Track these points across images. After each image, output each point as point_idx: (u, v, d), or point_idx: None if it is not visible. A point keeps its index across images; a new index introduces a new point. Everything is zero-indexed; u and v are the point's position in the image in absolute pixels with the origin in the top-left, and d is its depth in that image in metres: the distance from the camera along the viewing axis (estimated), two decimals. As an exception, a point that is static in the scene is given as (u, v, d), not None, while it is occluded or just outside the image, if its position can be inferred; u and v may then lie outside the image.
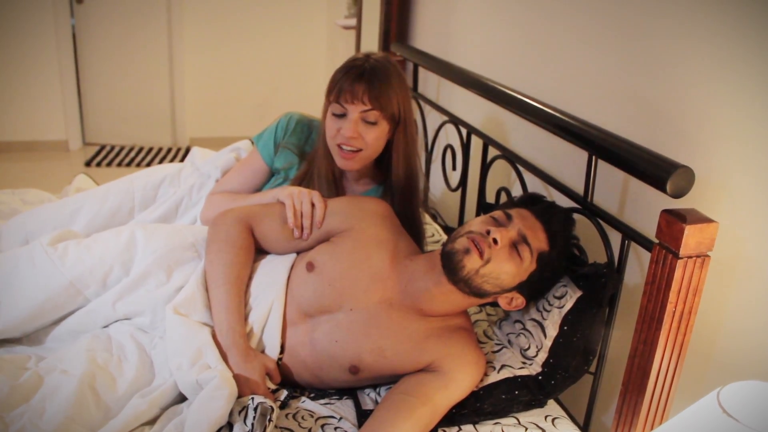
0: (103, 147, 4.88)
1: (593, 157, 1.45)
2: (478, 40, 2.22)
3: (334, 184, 1.68)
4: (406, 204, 1.66)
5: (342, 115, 1.56)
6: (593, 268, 1.39)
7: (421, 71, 2.68)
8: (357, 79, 1.53)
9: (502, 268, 1.32)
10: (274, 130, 1.75)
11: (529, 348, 1.45)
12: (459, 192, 2.16)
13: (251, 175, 1.75)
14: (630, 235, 1.34)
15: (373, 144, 1.58)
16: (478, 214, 2.00)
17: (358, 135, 1.55)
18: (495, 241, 1.30)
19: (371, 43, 3.14)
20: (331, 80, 1.59)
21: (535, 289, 1.40)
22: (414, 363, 1.36)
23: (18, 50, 4.23)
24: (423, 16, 2.73)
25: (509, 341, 1.51)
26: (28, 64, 4.29)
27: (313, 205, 1.51)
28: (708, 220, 1.14)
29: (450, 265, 1.32)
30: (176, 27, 4.61)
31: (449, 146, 2.24)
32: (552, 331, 1.40)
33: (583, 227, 1.61)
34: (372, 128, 1.56)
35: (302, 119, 1.77)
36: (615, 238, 1.41)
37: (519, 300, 1.40)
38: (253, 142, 1.80)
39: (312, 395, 1.42)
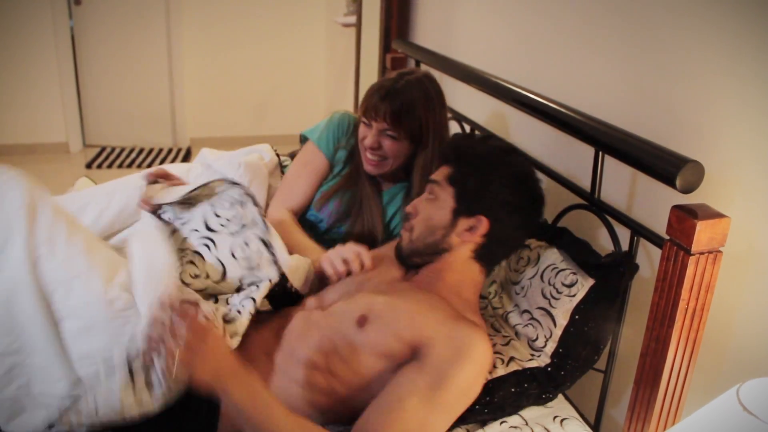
0: (103, 149, 4.87)
1: (600, 153, 1.43)
2: (481, 35, 2.20)
3: (374, 180, 1.82)
4: None
5: (369, 125, 1.70)
6: (610, 258, 1.37)
7: (423, 68, 2.67)
8: (382, 98, 1.66)
9: (426, 216, 1.40)
10: (334, 130, 1.83)
11: (537, 339, 1.44)
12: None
13: (314, 176, 1.83)
14: (639, 231, 1.33)
15: (394, 155, 1.71)
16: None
17: (378, 146, 1.70)
18: (410, 213, 1.43)
19: (372, 40, 3.12)
20: (365, 93, 1.73)
21: (473, 199, 1.38)
22: (419, 328, 1.23)
23: (17, 53, 4.21)
24: (424, 12, 2.71)
25: (516, 333, 1.50)
26: (27, 67, 4.28)
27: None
28: (720, 216, 1.12)
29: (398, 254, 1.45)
30: (175, 27, 4.59)
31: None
32: (562, 320, 1.39)
33: (591, 223, 1.60)
34: (393, 141, 1.69)
35: (355, 120, 1.85)
36: (622, 234, 1.40)
37: (472, 221, 1.38)
38: (304, 138, 1.87)
39: None
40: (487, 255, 1.42)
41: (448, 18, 2.44)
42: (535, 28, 1.84)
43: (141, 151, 4.83)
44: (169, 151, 4.88)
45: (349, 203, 1.82)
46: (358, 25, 3.29)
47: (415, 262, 1.43)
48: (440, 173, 1.42)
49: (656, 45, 1.37)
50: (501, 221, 1.38)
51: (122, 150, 4.85)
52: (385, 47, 2.86)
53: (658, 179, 1.21)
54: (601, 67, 1.55)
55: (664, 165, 1.19)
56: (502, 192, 1.37)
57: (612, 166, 1.46)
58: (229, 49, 4.73)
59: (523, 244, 1.56)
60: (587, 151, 1.53)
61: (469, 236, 1.38)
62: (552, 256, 1.50)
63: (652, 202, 1.42)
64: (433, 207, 1.40)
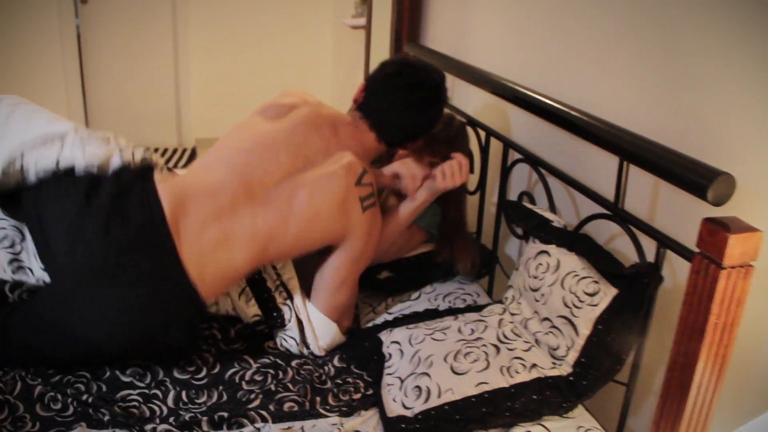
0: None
1: (624, 163, 1.41)
2: (496, 38, 2.17)
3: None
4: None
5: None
6: (635, 269, 1.36)
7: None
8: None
9: None
10: None
11: (558, 348, 1.43)
12: (477, 195, 2.11)
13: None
14: (666, 243, 1.31)
15: None
16: (498, 218, 1.96)
17: None
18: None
19: (382, 43, 3.10)
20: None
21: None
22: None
23: (22, 51, 4.18)
24: (436, 15, 2.69)
25: (536, 340, 1.49)
26: (32, 65, 4.24)
27: None
28: (752, 229, 1.10)
29: None
30: (181, 27, 4.57)
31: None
32: (585, 329, 1.39)
33: (610, 232, 1.58)
34: None
35: None
36: (645, 245, 1.38)
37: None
38: None
39: (342, 407, 1.43)
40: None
41: (461, 21, 2.42)
42: (554, 32, 1.81)
43: (146, 150, 4.79)
44: (175, 150, 4.86)
45: None
46: (368, 28, 3.27)
47: None
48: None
49: (682, 53, 1.35)
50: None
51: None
52: (396, 50, 2.83)
53: (688, 191, 1.20)
54: (626, 75, 1.53)
55: (695, 177, 1.18)
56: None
57: (632, 174, 1.45)
58: (235, 50, 4.70)
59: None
60: (607, 160, 1.51)
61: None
62: (572, 263, 1.49)
63: (675, 213, 1.40)
64: None
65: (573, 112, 1.55)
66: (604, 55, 1.60)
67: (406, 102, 1.70)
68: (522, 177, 1.96)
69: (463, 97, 2.40)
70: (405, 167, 1.76)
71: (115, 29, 4.54)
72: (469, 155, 1.91)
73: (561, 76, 1.78)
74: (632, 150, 1.36)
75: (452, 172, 1.72)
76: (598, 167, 1.61)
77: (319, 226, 1.54)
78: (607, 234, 1.60)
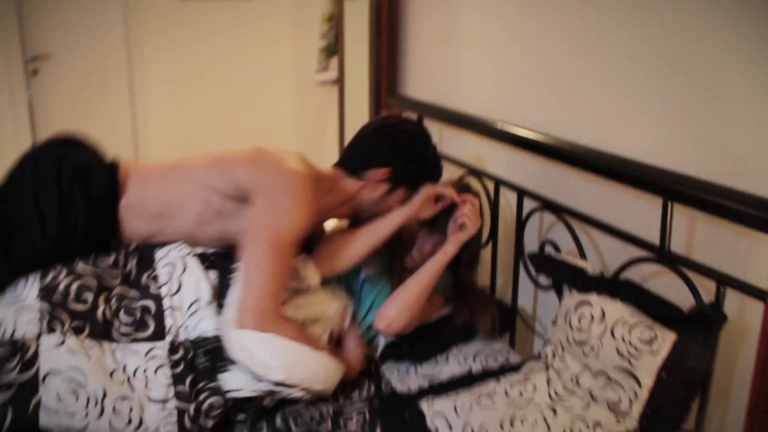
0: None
1: (669, 203, 1.37)
2: (487, 80, 2.13)
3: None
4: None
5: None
6: (696, 311, 1.31)
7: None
8: None
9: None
10: None
11: (620, 401, 1.36)
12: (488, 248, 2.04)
13: None
14: (729, 282, 1.26)
15: None
16: (516, 270, 1.89)
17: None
18: None
19: (358, 97, 3.04)
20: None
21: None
22: None
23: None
24: (416, 62, 2.64)
25: (593, 396, 1.42)
26: (-21, 143, 4.04)
27: None
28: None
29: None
30: (139, 92, 4.44)
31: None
32: (648, 379, 1.33)
33: (644, 276, 1.52)
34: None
35: None
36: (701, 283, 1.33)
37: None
38: None
39: None
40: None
41: (447, 66, 2.37)
42: (569, 72, 1.76)
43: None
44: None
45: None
46: (341, 82, 3.20)
47: None
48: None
49: (713, 87, 1.33)
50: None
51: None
52: (376, 103, 2.76)
53: (758, 229, 1.15)
54: (657, 112, 1.49)
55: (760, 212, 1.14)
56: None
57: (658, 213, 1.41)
58: (193, 107, 4.57)
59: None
60: (635, 200, 1.48)
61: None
62: (619, 311, 1.43)
63: (715, 249, 1.37)
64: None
65: (609, 156, 1.52)
66: (631, 92, 1.57)
67: (368, 130, 1.73)
68: (532, 224, 1.89)
69: (455, 144, 2.34)
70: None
71: (68, 100, 4.39)
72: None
73: (579, 117, 1.73)
74: (679, 189, 1.32)
75: (471, 217, 1.67)
76: (624, 208, 1.57)
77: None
78: (638, 276, 1.55)
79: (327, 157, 3.80)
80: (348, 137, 3.19)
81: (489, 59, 2.11)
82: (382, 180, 1.65)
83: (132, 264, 1.53)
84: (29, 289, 1.44)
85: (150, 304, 1.48)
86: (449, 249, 1.68)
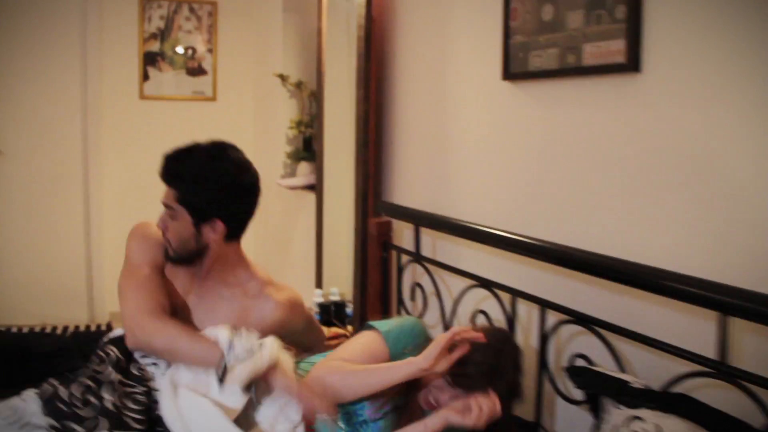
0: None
1: (725, 318, 1.36)
2: (485, 189, 2.14)
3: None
4: None
5: None
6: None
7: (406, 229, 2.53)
8: None
9: (175, 232, 1.86)
10: (407, 333, 1.72)
11: None
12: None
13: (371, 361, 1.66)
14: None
15: None
16: (539, 386, 1.83)
17: None
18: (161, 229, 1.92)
19: (342, 205, 3.00)
20: None
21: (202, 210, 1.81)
22: None
23: None
24: (406, 171, 2.64)
25: None
26: None
27: None
28: None
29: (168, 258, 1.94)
30: (94, 190, 4.27)
31: (481, 311, 2.09)
32: None
33: (686, 389, 1.49)
34: None
35: (427, 333, 1.78)
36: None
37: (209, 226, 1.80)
38: (372, 327, 1.73)
39: None
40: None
41: (442, 173, 2.37)
42: (580, 180, 1.80)
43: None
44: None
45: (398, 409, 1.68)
46: (320, 188, 3.16)
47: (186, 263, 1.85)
48: (168, 196, 1.78)
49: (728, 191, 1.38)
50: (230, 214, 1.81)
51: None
52: (363, 211, 2.70)
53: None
54: (676, 219, 1.52)
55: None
56: (220, 193, 1.76)
57: (690, 321, 1.41)
58: (151, 208, 4.41)
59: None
60: (668, 312, 1.48)
61: (214, 236, 1.78)
62: (675, 427, 1.36)
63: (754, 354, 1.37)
64: (178, 224, 1.78)
65: (645, 268, 1.52)
66: (646, 203, 1.60)
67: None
68: (561, 337, 1.85)
69: (453, 254, 2.31)
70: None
71: (20, 205, 4.19)
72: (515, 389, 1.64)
73: (598, 227, 1.75)
74: (737, 303, 1.32)
75: (477, 414, 1.47)
76: (659, 320, 1.56)
77: None
78: (680, 389, 1.52)
79: (291, 262, 3.70)
80: (327, 242, 3.13)
81: (480, 168, 2.14)
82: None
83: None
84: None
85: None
86: (434, 424, 1.50)
